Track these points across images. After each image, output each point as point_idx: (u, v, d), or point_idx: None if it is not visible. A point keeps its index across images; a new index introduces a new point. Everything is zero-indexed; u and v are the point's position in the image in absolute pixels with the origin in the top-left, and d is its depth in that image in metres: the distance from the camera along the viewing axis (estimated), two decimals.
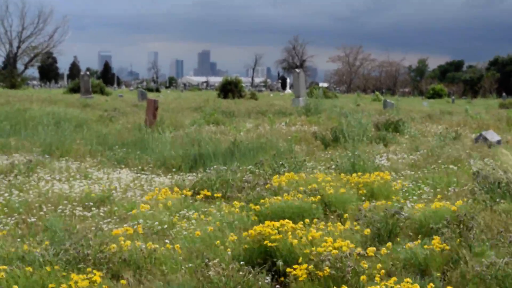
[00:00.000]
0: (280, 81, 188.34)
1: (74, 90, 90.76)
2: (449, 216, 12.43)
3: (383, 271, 9.99)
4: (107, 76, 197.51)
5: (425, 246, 11.14)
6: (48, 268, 10.01)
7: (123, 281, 9.86)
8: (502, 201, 14.20)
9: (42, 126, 27.75)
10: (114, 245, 11.30)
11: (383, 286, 9.19)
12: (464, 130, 30.75)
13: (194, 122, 34.28)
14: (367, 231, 11.96)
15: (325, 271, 10.08)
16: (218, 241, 11.57)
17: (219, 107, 47.15)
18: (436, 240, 11.33)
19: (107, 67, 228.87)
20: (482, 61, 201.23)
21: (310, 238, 11.22)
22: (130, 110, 47.28)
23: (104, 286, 9.46)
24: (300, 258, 10.63)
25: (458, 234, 11.70)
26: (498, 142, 24.97)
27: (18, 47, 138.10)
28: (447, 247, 11.14)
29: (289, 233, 11.39)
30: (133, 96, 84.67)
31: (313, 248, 10.81)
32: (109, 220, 13.61)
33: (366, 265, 10.28)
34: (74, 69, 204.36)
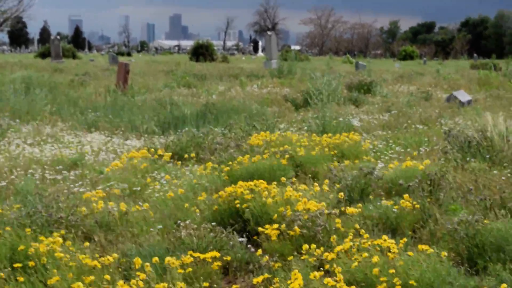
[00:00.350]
0: (252, 44, 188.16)
1: (45, 55, 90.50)
2: (420, 175, 12.53)
3: (353, 230, 10.07)
4: (78, 40, 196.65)
5: (396, 207, 11.23)
6: (19, 231, 10.03)
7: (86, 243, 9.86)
8: (473, 159, 14.32)
9: (13, 90, 27.60)
10: (84, 208, 11.33)
11: (356, 243, 9.27)
12: (435, 90, 30.97)
13: (166, 85, 34.27)
14: (341, 194, 12.03)
15: (296, 230, 10.15)
16: (189, 203, 11.63)
17: (191, 71, 47.21)
18: (406, 198, 11.42)
19: (77, 32, 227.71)
20: (454, 22, 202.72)
21: (286, 197, 11.32)
22: (101, 74, 47.15)
23: (80, 255, 9.45)
24: (275, 216, 10.72)
25: (428, 193, 11.80)
26: (469, 102, 25.08)
27: None
28: (418, 206, 11.23)
29: (263, 193, 11.45)
30: (104, 60, 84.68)
31: (288, 207, 10.88)
32: (80, 183, 13.62)
33: (339, 224, 10.37)
34: (45, 34, 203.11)
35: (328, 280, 7.94)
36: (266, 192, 11.46)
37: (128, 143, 18.25)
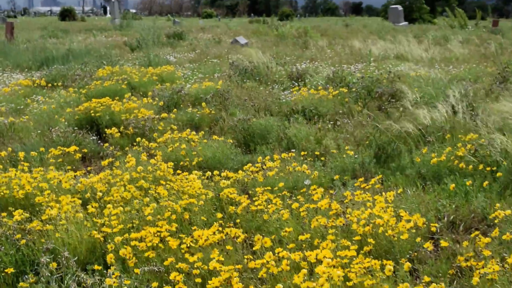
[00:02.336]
0: (102, 8, 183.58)
1: None
2: (213, 91, 12.82)
3: (176, 127, 10.32)
4: None
5: (198, 112, 11.52)
6: None
7: None
8: (248, 81, 14.70)
9: None
10: None
11: (171, 136, 9.51)
12: (224, 37, 31.38)
13: (41, 37, 33.67)
14: (162, 103, 12.25)
15: (131, 130, 10.36)
16: (58, 115, 11.65)
17: (58, 27, 46.11)
18: (204, 106, 11.74)
19: None
20: None
21: (125, 107, 11.52)
22: None
23: None
24: (122, 118, 10.95)
25: (219, 103, 12.11)
26: (246, 43, 25.70)
27: None
28: (213, 112, 11.53)
29: (112, 105, 11.60)
30: None
31: (127, 115, 11.09)
32: None
33: (160, 126, 10.60)
34: None
35: (152, 160, 8.13)
36: (114, 104, 11.62)
37: (14, 77, 17.83)
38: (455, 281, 5.15)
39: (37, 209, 6.61)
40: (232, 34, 33.36)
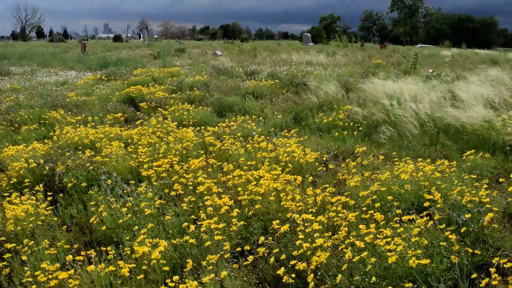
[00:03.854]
0: (138, 34, 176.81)
1: None
2: (201, 82, 12.60)
3: (179, 102, 10.12)
4: None
5: (193, 94, 11.30)
6: (41, 109, 9.63)
7: (69, 113, 9.54)
8: (221, 76, 14.46)
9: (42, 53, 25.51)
10: (68, 99, 10.90)
11: (179, 107, 9.35)
12: (208, 51, 30.34)
13: (102, 51, 32.29)
14: (173, 88, 12.01)
15: (153, 104, 10.15)
16: (111, 96, 11.37)
17: (112, 45, 43.94)
18: (196, 91, 11.53)
19: None
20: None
21: (151, 91, 11.24)
22: None
23: (67, 117, 9.13)
24: (148, 97, 10.64)
25: (205, 89, 11.92)
26: (221, 55, 25.02)
27: None
28: (201, 93, 11.33)
29: (142, 89, 11.32)
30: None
31: (151, 95, 10.83)
32: (66, 89, 13.00)
33: (172, 100, 10.39)
34: None
35: (166, 121, 8.01)
36: (143, 89, 11.34)
37: (86, 74, 17.29)
38: (336, 187, 5.19)
39: (98, 149, 6.49)
40: (213, 49, 32.74)
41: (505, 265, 3.37)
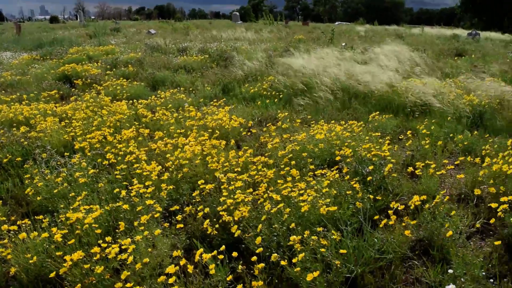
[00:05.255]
0: (75, 16, 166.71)
1: None
2: (136, 59, 12.14)
3: (114, 78, 9.72)
4: None
5: (128, 70, 10.90)
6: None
7: None
8: (155, 53, 14.02)
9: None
10: (2, 79, 10.14)
11: (113, 82, 8.99)
12: (143, 30, 29.10)
13: (37, 31, 30.20)
14: (108, 67, 11.46)
15: (88, 80, 9.68)
16: (47, 74, 10.70)
17: (48, 26, 41.18)
18: (130, 67, 11.10)
19: None
20: None
21: (85, 68, 10.67)
22: None
23: (1, 96, 8.48)
24: (81, 75, 10.11)
25: (139, 64, 11.53)
26: (155, 33, 24.26)
27: None
28: (135, 69, 10.92)
29: (77, 67, 10.70)
30: None
31: (86, 73, 10.30)
32: (1, 70, 12.04)
33: (107, 76, 9.95)
34: None
35: (100, 96, 7.69)
36: (78, 67, 10.75)
37: (21, 55, 16.04)
38: (259, 149, 5.24)
39: (33, 126, 6.14)
40: (148, 28, 31.51)
41: (399, 208, 3.57)
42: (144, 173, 4.13)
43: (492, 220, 3.52)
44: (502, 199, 3.49)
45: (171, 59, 12.39)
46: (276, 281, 2.91)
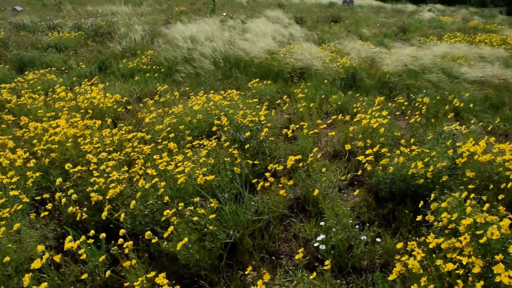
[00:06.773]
0: None
1: None
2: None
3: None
4: None
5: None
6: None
7: None
8: (22, 32, 12.67)
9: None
10: None
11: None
12: (8, 7, 26.37)
13: None
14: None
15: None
16: None
17: None
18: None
19: None
20: None
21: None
22: None
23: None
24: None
25: (2, 46, 10.35)
26: (21, 10, 21.83)
27: None
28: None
29: None
30: None
31: None
32: None
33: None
34: None
35: None
36: None
37: None
38: (136, 126, 5.01)
39: None
40: (13, 5, 28.48)
41: (278, 169, 3.67)
42: (5, 162, 3.74)
43: (359, 172, 3.77)
44: (368, 151, 3.75)
45: (40, 38, 11.35)
46: (157, 255, 2.84)
